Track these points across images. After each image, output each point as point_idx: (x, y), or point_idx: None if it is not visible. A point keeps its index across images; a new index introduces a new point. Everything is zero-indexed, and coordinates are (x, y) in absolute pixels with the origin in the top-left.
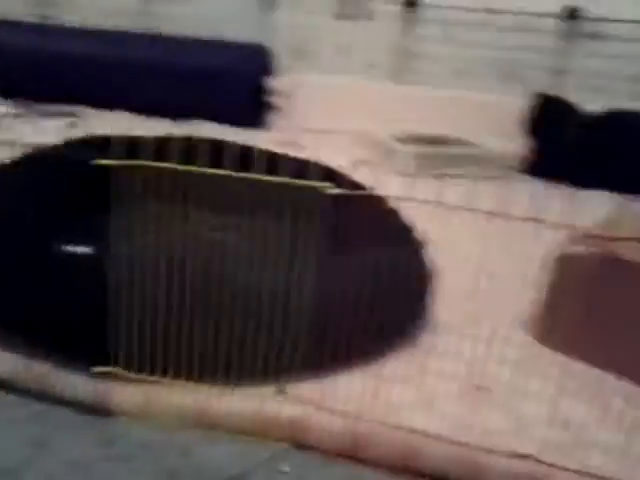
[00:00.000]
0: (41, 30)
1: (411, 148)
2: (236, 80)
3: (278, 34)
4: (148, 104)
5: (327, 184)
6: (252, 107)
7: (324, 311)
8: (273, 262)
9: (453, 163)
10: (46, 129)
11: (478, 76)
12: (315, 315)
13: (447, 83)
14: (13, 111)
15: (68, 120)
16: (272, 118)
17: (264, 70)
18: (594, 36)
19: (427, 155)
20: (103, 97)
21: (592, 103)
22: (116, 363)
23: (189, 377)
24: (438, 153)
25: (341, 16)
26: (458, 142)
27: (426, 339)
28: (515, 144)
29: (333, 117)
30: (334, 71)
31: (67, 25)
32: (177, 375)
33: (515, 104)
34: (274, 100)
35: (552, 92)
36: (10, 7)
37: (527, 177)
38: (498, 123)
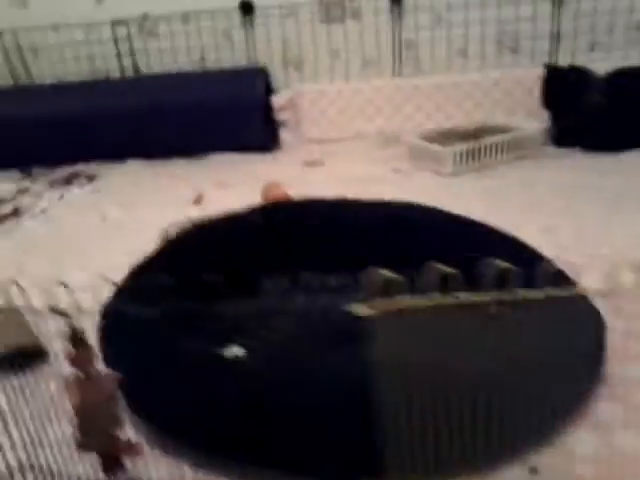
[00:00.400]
0: (13, 93)
1: (450, 148)
2: (244, 105)
3: (266, 49)
4: (158, 148)
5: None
6: (263, 129)
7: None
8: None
9: (489, 152)
10: (70, 199)
11: (477, 54)
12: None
13: (449, 67)
14: (19, 186)
15: (89, 184)
16: (282, 135)
17: (267, 89)
18: None
19: (466, 152)
20: (108, 152)
21: (593, 62)
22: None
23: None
24: (475, 147)
25: (327, 20)
26: (487, 129)
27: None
28: (538, 118)
29: (344, 123)
30: (331, 76)
31: (40, 84)
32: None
33: (527, 77)
34: (280, 117)
35: (552, 58)
36: None
37: (560, 150)
38: (516, 99)
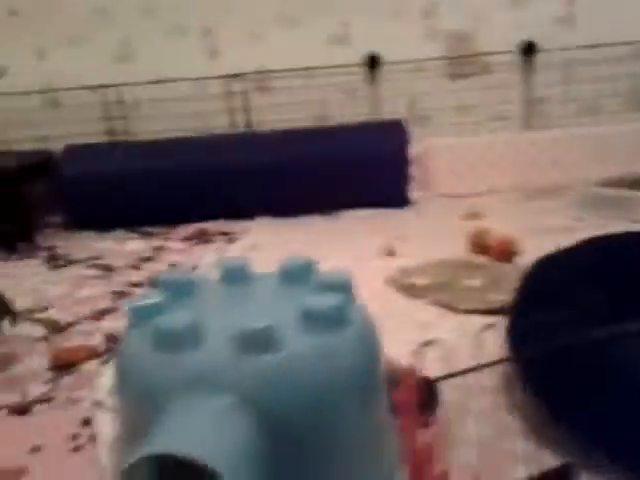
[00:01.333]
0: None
1: None
2: (385, 159)
3: (391, 104)
4: (289, 204)
5: None
6: (400, 184)
7: None
8: None
9: None
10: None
11: (605, 109)
12: None
13: (579, 121)
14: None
15: (233, 242)
16: (411, 191)
17: (405, 143)
18: None
19: None
20: (229, 210)
21: None
22: None
23: None
24: None
25: (456, 76)
26: None
27: None
28: None
29: (474, 178)
30: (458, 131)
31: (152, 139)
32: None
33: None
34: (411, 172)
35: None
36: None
37: None
38: None
